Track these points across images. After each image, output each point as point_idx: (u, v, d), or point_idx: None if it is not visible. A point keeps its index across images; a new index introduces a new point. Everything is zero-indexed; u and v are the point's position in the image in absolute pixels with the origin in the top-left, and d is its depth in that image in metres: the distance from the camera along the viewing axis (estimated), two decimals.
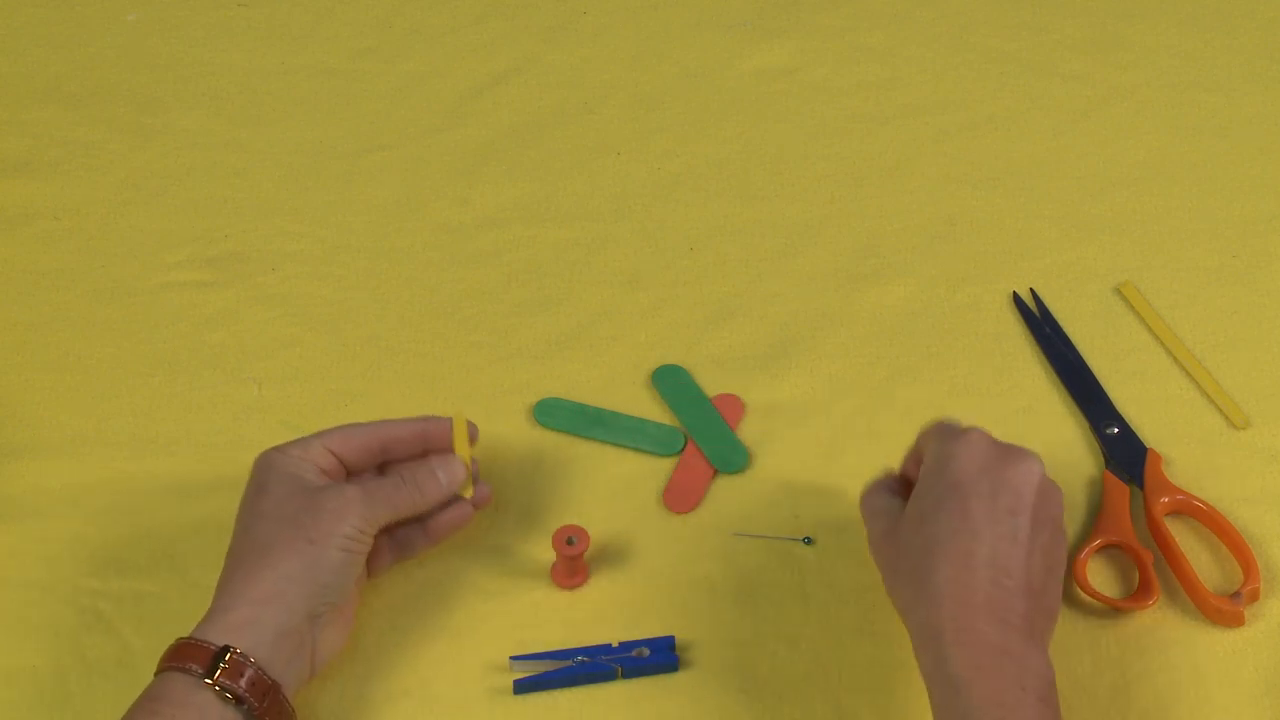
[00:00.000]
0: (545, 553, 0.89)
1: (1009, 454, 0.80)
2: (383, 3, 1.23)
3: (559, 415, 0.95)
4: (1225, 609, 0.84)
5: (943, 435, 0.82)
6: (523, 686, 0.84)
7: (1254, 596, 0.86)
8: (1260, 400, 0.95)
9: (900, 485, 0.85)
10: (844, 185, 1.09)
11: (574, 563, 0.87)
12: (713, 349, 0.99)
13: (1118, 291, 1.01)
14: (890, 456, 0.93)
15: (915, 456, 0.84)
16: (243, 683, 0.76)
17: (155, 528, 0.91)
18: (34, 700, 0.84)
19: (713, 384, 0.97)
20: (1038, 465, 0.80)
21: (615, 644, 0.85)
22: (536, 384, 0.97)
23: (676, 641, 0.85)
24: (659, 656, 0.84)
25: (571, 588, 0.88)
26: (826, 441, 0.94)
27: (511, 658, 0.84)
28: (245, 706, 0.76)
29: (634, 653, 0.84)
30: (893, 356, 0.99)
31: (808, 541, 0.88)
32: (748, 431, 0.95)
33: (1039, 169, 1.09)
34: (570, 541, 0.86)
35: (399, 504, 0.83)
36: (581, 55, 1.18)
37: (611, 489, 0.92)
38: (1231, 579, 0.87)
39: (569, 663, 0.84)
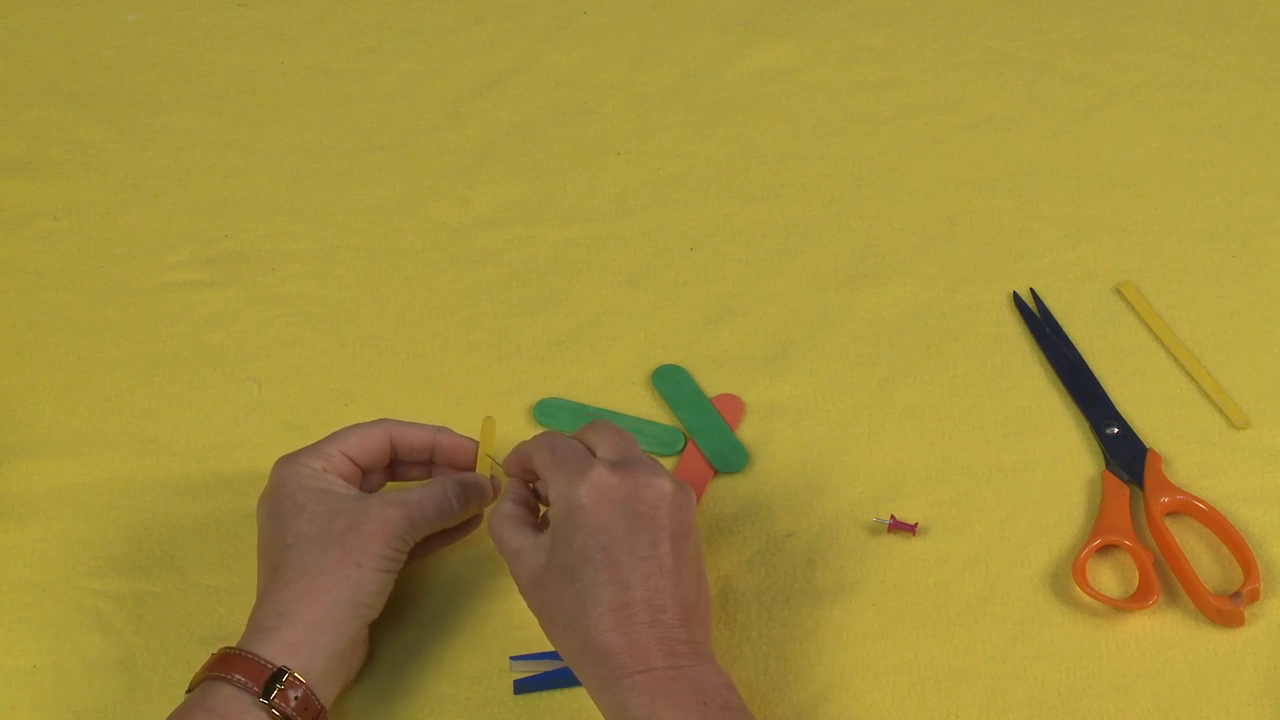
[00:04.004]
0: None
1: (635, 479, 0.78)
2: (383, 3, 1.23)
3: (559, 415, 0.95)
4: (1225, 609, 0.84)
5: (562, 473, 0.78)
6: (523, 687, 0.84)
7: (1254, 596, 0.86)
8: (1260, 400, 0.95)
9: (529, 509, 0.82)
10: (844, 185, 1.09)
11: None
12: (713, 349, 0.99)
13: (1118, 291, 1.01)
14: (890, 456, 0.93)
15: (525, 467, 0.82)
16: (293, 705, 0.76)
17: (155, 528, 0.91)
18: (34, 700, 0.84)
19: (713, 384, 0.97)
20: (664, 481, 0.78)
21: None
22: (536, 384, 0.97)
23: None
24: None
25: None
26: (826, 441, 0.94)
27: (511, 658, 0.84)
28: None
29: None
30: (893, 356, 0.99)
31: None
32: (748, 431, 0.95)
33: (1039, 169, 1.09)
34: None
35: (434, 521, 0.84)
36: (581, 55, 1.18)
37: None
38: (1231, 579, 0.87)
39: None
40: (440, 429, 0.88)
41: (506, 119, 1.14)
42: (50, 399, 0.97)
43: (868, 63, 1.17)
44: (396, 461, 0.88)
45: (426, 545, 0.87)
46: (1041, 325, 1.00)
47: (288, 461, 0.84)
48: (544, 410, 0.96)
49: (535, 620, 0.82)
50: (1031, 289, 1.02)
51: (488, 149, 1.12)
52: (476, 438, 0.89)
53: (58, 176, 1.10)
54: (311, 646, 0.78)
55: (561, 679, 0.84)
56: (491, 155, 1.11)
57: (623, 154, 1.11)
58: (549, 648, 0.84)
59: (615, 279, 1.04)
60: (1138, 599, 0.86)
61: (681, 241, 1.06)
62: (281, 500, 0.82)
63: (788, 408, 0.96)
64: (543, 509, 0.84)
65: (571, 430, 0.92)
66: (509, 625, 0.86)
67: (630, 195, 1.09)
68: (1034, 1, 1.21)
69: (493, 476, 0.88)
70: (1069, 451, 0.93)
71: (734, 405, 0.96)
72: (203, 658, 0.81)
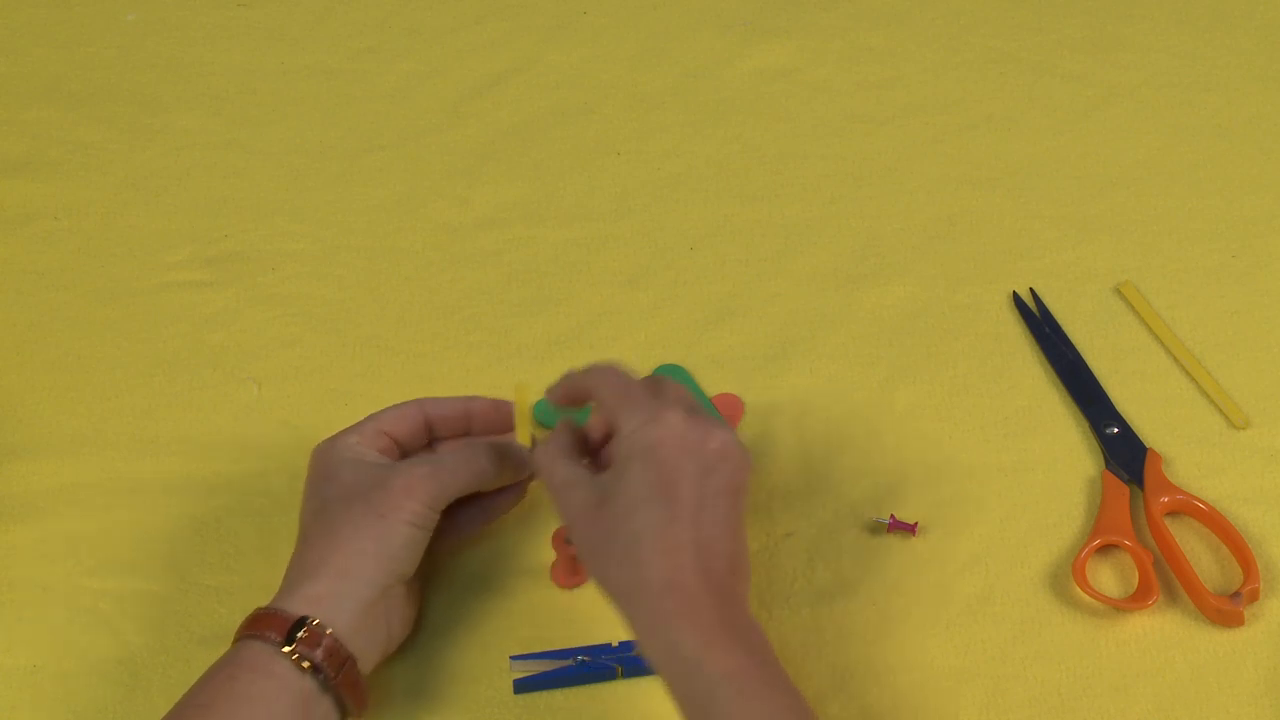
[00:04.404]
0: (545, 553, 0.89)
1: (706, 429, 0.78)
2: (383, 3, 1.23)
3: (559, 415, 0.95)
4: (1225, 609, 0.84)
5: (636, 411, 0.79)
6: (523, 686, 0.84)
7: (1254, 596, 0.86)
8: (1260, 400, 0.95)
9: (580, 445, 0.83)
10: (844, 185, 1.09)
11: (574, 562, 0.87)
12: (713, 349, 0.99)
13: (1118, 291, 1.01)
14: (890, 456, 0.93)
15: (577, 396, 0.83)
16: (319, 652, 0.77)
17: (155, 528, 0.91)
18: (34, 700, 0.84)
19: (713, 384, 0.97)
20: (731, 436, 0.79)
21: (615, 643, 0.85)
22: (536, 384, 0.97)
23: None
24: None
25: (571, 587, 0.88)
26: (826, 441, 0.94)
27: (512, 657, 0.84)
28: (321, 676, 0.77)
29: (634, 652, 0.84)
30: (893, 356, 0.99)
31: None
32: (748, 431, 0.95)
33: (1039, 169, 1.09)
34: (570, 541, 0.86)
35: (465, 481, 0.84)
36: (581, 55, 1.18)
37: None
38: (1231, 579, 0.87)
39: (569, 662, 0.84)
40: (473, 397, 0.89)
41: (506, 119, 1.14)
42: (50, 399, 0.97)
43: (868, 63, 1.17)
44: (436, 440, 0.89)
45: (469, 520, 0.87)
46: (1041, 325, 1.00)
47: (325, 442, 0.85)
48: (544, 410, 0.96)
49: (535, 620, 0.83)
50: (1031, 289, 1.02)
51: (488, 149, 1.12)
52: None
53: (58, 176, 1.10)
54: (336, 597, 0.78)
55: (561, 679, 0.84)
56: (491, 155, 1.11)
57: (623, 154, 1.11)
58: (549, 648, 0.85)
59: (615, 279, 1.04)
60: (1138, 599, 0.86)
61: (681, 241, 1.06)
62: (316, 475, 0.84)
63: (788, 408, 0.96)
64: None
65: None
66: (509, 625, 0.86)
67: (630, 195, 1.09)
68: (1034, 1, 1.21)
69: (534, 444, 0.87)
70: (1069, 451, 0.93)
71: (734, 405, 0.96)
72: (203, 657, 0.81)
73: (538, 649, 0.85)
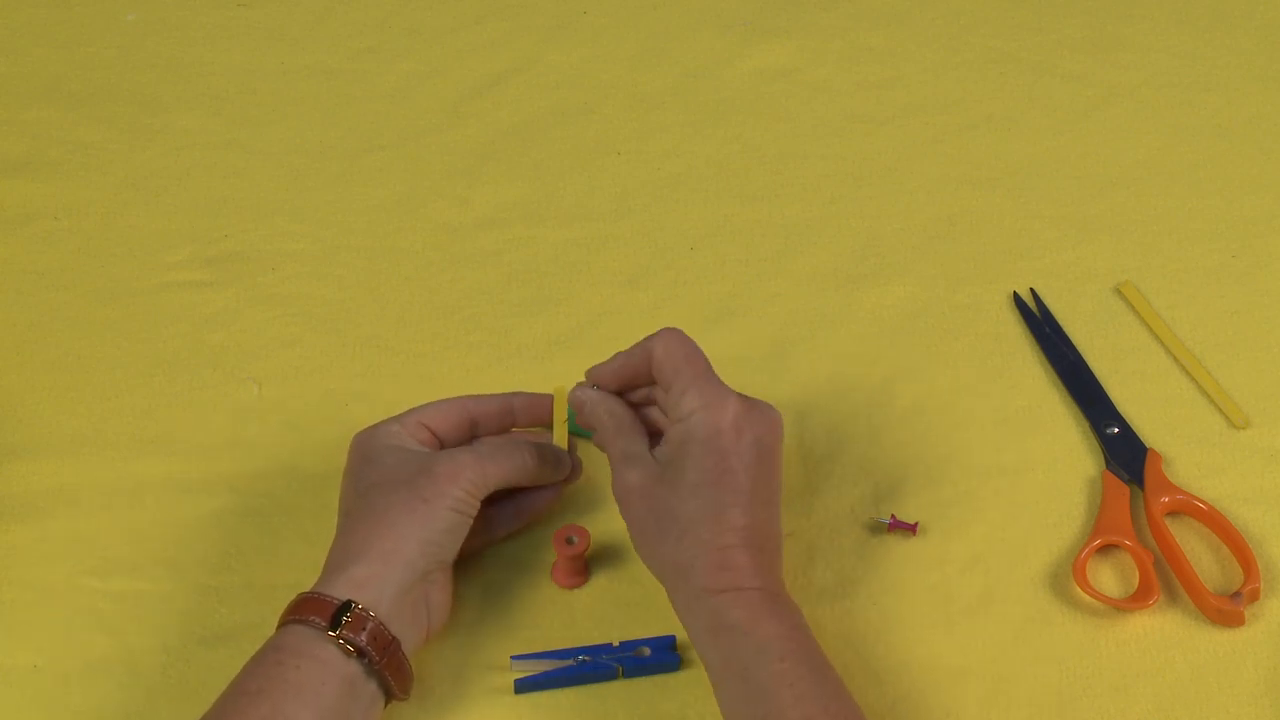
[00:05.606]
0: (545, 553, 0.89)
1: (760, 414, 0.82)
2: (383, 3, 1.23)
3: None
4: (1225, 609, 0.84)
5: (697, 392, 0.82)
6: (524, 686, 0.84)
7: (1254, 596, 0.86)
8: (1260, 400, 0.95)
9: (636, 418, 0.85)
10: (844, 185, 1.09)
11: (574, 563, 0.87)
12: (713, 349, 0.99)
13: (1118, 291, 1.01)
14: (890, 457, 0.93)
15: (629, 377, 0.84)
16: (364, 636, 0.77)
17: (155, 528, 0.91)
18: (34, 700, 0.84)
19: None
20: (778, 417, 0.83)
21: (616, 643, 0.85)
22: (536, 384, 0.97)
23: (677, 641, 0.85)
24: (660, 656, 0.84)
25: (572, 588, 0.88)
26: (826, 441, 0.94)
27: (512, 657, 0.84)
28: (366, 660, 0.77)
29: (635, 652, 0.84)
30: (893, 356, 0.99)
31: None
32: None
33: (1039, 169, 1.09)
34: (570, 541, 0.86)
35: (508, 472, 0.85)
36: (581, 55, 1.18)
37: (611, 489, 0.92)
38: (1231, 579, 0.87)
39: (570, 662, 0.84)
40: (515, 394, 0.89)
41: (506, 119, 1.14)
42: (50, 399, 0.97)
43: (868, 63, 1.17)
44: (475, 438, 0.89)
45: (502, 519, 0.88)
46: (1041, 325, 1.00)
47: (365, 430, 0.86)
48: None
49: (535, 620, 0.83)
50: (1031, 289, 1.02)
51: (488, 149, 1.12)
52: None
53: (58, 176, 1.10)
54: (379, 581, 0.79)
55: (562, 679, 0.84)
56: (491, 155, 1.11)
57: (623, 154, 1.11)
58: (549, 647, 0.85)
59: (615, 279, 1.04)
60: (1138, 599, 0.86)
61: (681, 241, 1.06)
62: (358, 460, 0.84)
63: (788, 407, 0.96)
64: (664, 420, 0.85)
65: (571, 430, 0.92)
66: (509, 625, 0.86)
67: (630, 195, 1.09)
68: (1034, 1, 1.21)
69: (574, 456, 0.89)
70: (1069, 451, 0.93)
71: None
72: (203, 657, 0.81)
73: (538, 649, 0.85)
